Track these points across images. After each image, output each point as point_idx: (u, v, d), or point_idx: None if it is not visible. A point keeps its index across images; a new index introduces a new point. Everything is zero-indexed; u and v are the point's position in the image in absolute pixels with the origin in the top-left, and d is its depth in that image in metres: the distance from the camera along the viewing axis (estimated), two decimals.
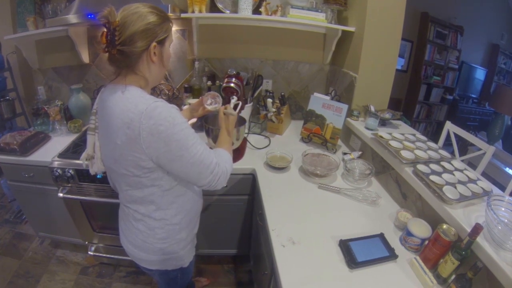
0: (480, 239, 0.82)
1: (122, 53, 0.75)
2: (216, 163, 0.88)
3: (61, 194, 1.53)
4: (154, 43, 0.78)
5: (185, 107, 1.30)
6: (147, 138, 0.74)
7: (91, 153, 0.92)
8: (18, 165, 1.55)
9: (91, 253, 1.80)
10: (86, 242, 1.82)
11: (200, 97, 1.23)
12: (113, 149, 0.81)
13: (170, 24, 0.84)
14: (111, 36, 0.72)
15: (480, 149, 1.74)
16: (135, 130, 0.73)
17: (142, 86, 0.82)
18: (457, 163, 1.21)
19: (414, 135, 1.44)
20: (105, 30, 0.73)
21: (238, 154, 1.57)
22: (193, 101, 1.82)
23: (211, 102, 1.20)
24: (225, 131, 1.12)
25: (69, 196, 1.54)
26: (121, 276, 1.83)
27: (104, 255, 1.81)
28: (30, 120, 2.17)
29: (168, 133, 0.74)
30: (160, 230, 0.93)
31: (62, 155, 1.54)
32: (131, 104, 0.75)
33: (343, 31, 1.76)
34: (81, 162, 0.94)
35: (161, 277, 1.09)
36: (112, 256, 1.79)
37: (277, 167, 1.46)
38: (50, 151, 1.58)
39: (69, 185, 1.55)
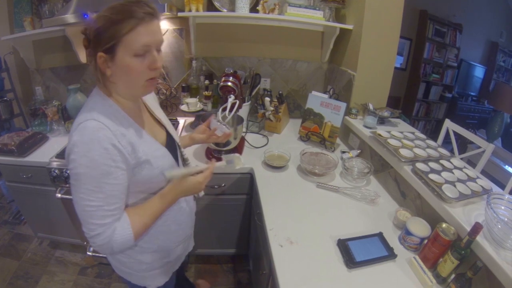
0: (480, 238, 0.81)
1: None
2: (96, 234, 0.68)
3: (59, 195, 1.53)
4: (99, 53, 0.65)
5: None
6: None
7: None
8: (16, 166, 1.54)
9: (90, 254, 1.79)
10: (85, 243, 1.81)
11: (207, 121, 1.11)
12: None
13: (126, 24, 0.63)
14: (84, 42, 0.69)
15: (479, 147, 1.73)
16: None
17: (108, 95, 0.73)
18: (457, 161, 1.20)
19: (413, 133, 1.43)
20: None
21: (236, 153, 1.55)
22: (190, 100, 1.81)
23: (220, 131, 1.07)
24: (170, 194, 0.80)
25: (67, 196, 1.53)
26: (120, 276, 1.82)
27: (103, 255, 1.81)
28: (28, 121, 2.16)
29: (69, 159, 0.66)
30: (115, 243, 0.72)
31: (60, 155, 1.53)
32: (81, 111, 0.70)
33: (341, 29, 1.75)
34: None
35: (129, 285, 1.01)
36: None
37: (275, 166, 1.45)
38: (48, 152, 1.57)
39: (67, 185, 1.54)
